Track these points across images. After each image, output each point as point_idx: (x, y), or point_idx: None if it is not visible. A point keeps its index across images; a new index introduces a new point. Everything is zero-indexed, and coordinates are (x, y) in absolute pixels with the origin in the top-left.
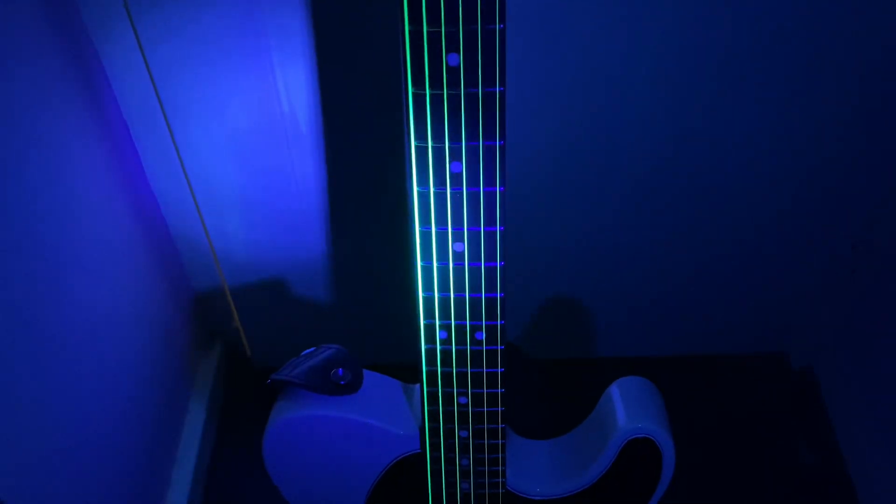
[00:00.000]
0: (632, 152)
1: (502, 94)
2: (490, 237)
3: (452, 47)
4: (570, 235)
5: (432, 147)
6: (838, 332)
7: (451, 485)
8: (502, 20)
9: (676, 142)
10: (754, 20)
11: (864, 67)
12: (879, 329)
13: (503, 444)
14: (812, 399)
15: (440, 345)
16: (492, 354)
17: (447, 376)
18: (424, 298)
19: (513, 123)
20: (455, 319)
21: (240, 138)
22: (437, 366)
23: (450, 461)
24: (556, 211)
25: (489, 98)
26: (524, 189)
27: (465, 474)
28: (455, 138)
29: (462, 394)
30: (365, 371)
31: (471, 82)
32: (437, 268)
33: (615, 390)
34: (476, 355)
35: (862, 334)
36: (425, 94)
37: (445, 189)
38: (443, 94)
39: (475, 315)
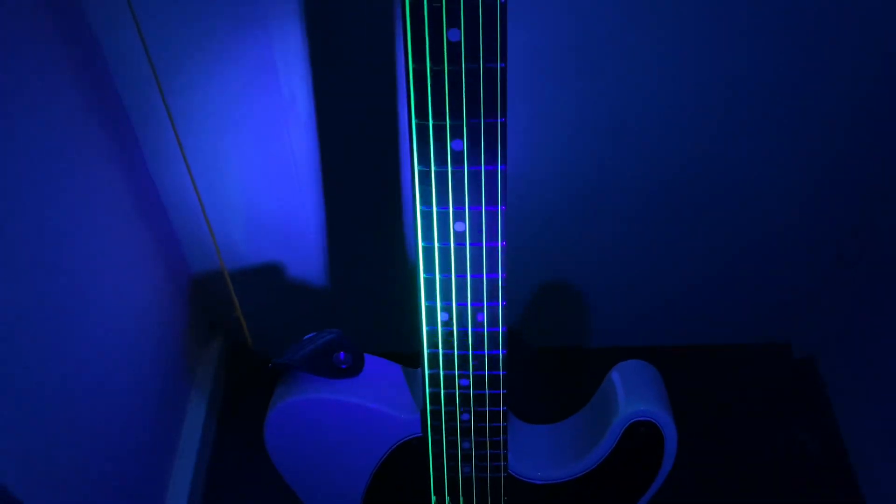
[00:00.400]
0: (637, 146)
1: (503, 70)
2: (491, 217)
3: (453, 22)
4: (573, 227)
5: (433, 125)
6: (840, 322)
7: (452, 469)
8: None
9: (682, 137)
10: (759, 27)
11: (864, 70)
12: (881, 319)
13: (505, 427)
14: (814, 388)
15: (442, 326)
16: (493, 336)
17: (449, 358)
18: (425, 280)
19: (518, 113)
20: (456, 301)
21: (240, 126)
22: (438, 348)
23: (451, 445)
24: (560, 202)
25: (490, 74)
26: (527, 179)
27: (466, 458)
28: (456, 115)
29: (463, 376)
30: (366, 355)
31: (472, 58)
32: (439, 248)
33: (616, 374)
34: (477, 337)
35: (864, 324)
36: (426, 70)
37: (446, 168)
38: (443, 70)
39: (476, 296)
